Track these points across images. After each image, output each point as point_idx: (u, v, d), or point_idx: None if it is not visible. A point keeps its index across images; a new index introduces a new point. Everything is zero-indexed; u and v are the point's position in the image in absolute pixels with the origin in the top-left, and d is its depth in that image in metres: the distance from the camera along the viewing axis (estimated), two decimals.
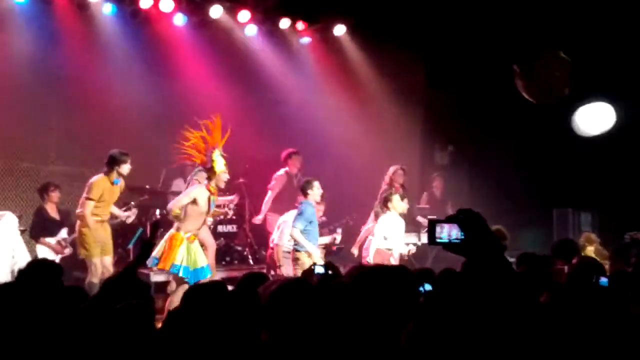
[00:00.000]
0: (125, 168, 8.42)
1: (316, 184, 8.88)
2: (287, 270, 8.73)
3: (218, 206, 8.92)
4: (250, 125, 11.23)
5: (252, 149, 11.30)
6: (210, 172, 8.00)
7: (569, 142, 11.76)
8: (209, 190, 7.95)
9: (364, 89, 12.27)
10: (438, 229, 2.58)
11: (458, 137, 12.81)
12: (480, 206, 9.37)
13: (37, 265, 4.57)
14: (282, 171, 10.53)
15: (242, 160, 10.81)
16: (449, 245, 2.58)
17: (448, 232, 2.57)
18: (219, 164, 7.98)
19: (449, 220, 2.57)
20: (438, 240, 2.58)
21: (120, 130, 10.33)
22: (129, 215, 8.95)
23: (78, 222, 8.39)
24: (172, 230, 7.93)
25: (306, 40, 12.22)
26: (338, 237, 9.31)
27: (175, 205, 8.02)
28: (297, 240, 8.49)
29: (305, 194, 8.86)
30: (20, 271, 4.40)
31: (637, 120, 10.82)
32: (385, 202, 9.25)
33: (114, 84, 10.53)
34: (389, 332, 2.80)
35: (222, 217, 9.94)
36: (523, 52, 9.14)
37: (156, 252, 7.67)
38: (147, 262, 7.86)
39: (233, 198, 9.60)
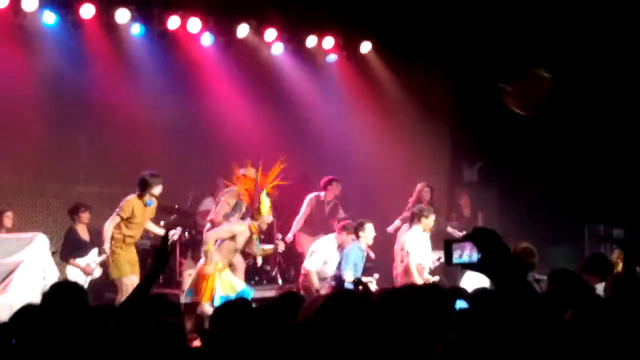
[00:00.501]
0: (157, 189, 8.47)
1: (369, 226, 8.80)
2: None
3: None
4: (278, 143, 11.24)
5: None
6: (256, 213, 8.04)
7: (600, 156, 11.64)
8: (251, 230, 7.98)
9: (391, 106, 12.23)
10: (455, 248, 2.56)
11: (487, 153, 12.71)
12: (510, 223, 9.43)
13: (59, 287, 4.56)
14: (312, 195, 10.47)
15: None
16: (467, 265, 2.56)
17: (466, 253, 2.55)
18: (265, 206, 8.00)
19: (465, 239, 2.55)
20: (455, 261, 2.57)
21: (149, 150, 10.40)
22: (174, 234, 8.89)
23: (109, 242, 8.41)
24: (200, 262, 7.99)
25: (332, 57, 12.22)
26: (281, 245, 9.08)
27: (213, 236, 8.06)
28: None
29: (357, 236, 8.80)
30: (44, 294, 4.39)
31: None
32: (418, 217, 9.19)
33: (143, 104, 10.61)
34: (421, 351, 2.77)
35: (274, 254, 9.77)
36: (508, 71, 9.21)
37: (189, 284, 7.82)
38: (185, 297, 7.97)
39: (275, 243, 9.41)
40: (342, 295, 3.77)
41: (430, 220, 9.13)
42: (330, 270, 8.93)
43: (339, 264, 8.76)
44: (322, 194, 10.42)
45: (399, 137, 12.19)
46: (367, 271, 9.60)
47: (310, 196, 10.46)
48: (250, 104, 11.47)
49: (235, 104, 11.32)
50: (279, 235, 9.18)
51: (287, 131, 11.71)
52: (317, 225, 10.05)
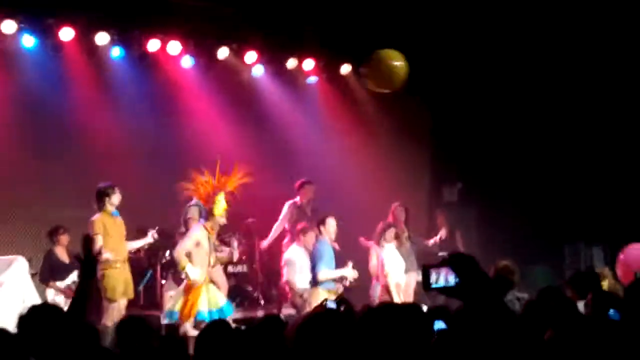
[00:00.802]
0: (115, 198, 8.37)
1: (330, 220, 8.90)
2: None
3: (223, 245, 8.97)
4: (258, 164, 11.24)
5: (260, 188, 11.30)
6: (209, 214, 8.07)
7: (577, 176, 11.76)
8: (206, 229, 8.01)
9: (371, 126, 12.30)
10: (433, 274, 2.58)
11: (467, 174, 12.79)
12: (490, 242, 9.47)
13: (37, 310, 4.52)
14: (289, 202, 10.47)
15: (250, 200, 10.81)
16: (444, 290, 2.58)
17: (443, 277, 2.57)
18: (219, 207, 8.03)
19: (442, 264, 2.57)
20: (433, 286, 2.59)
21: (130, 172, 10.36)
22: (152, 238, 8.83)
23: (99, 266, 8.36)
24: (184, 282, 7.99)
25: (313, 79, 12.30)
26: (235, 253, 9.10)
27: (180, 252, 8.04)
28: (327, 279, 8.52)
29: (320, 232, 8.88)
30: (21, 316, 4.35)
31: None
32: (382, 235, 9.28)
33: (123, 126, 10.63)
34: None
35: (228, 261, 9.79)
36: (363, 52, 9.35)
37: (173, 306, 7.79)
38: (164, 318, 7.94)
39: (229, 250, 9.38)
40: (322, 315, 3.78)
41: (389, 233, 9.21)
42: (306, 279, 8.96)
43: (313, 266, 8.81)
44: (297, 198, 10.42)
45: (379, 157, 12.25)
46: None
47: (288, 203, 10.44)
48: (231, 125, 11.49)
49: (217, 125, 11.35)
50: (235, 244, 9.11)
51: (268, 152, 11.73)
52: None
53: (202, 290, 7.87)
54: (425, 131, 12.95)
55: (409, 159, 12.58)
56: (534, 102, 11.85)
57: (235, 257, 9.11)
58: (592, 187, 11.58)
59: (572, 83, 11.46)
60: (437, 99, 12.60)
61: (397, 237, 9.34)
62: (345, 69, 12.23)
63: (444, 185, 13.13)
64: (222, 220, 8.13)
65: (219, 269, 9.16)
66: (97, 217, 8.33)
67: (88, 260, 4.11)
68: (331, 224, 8.92)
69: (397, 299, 8.74)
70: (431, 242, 10.86)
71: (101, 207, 8.34)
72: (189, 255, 7.94)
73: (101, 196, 8.35)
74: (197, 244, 7.98)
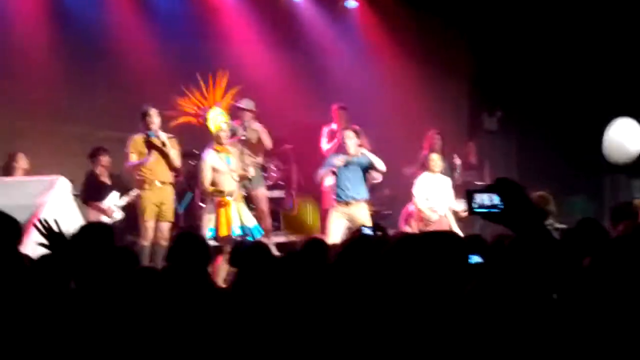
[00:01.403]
0: (153, 119, 8.40)
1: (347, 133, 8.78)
2: None
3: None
4: (296, 91, 11.23)
5: (298, 114, 11.30)
6: (210, 133, 8.08)
7: (619, 106, 11.53)
8: (216, 150, 7.99)
9: (411, 54, 12.10)
10: (477, 198, 2.56)
11: (507, 102, 12.63)
12: (529, 172, 9.42)
13: (88, 228, 4.62)
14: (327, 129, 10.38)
15: (288, 126, 10.83)
16: (488, 215, 2.56)
17: (487, 202, 2.55)
18: (211, 124, 8.01)
19: (487, 189, 2.55)
20: (476, 210, 2.56)
21: (167, 96, 10.38)
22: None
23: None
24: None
25: (353, 4, 12.12)
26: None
27: (204, 184, 8.14)
28: None
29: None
30: (74, 235, 4.44)
31: None
32: (423, 162, 9.23)
33: (162, 49, 10.56)
34: (435, 301, 2.79)
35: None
36: None
37: (210, 223, 7.89)
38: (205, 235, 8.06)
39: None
40: (360, 241, 3.82)
41: (436, 159, 9.13)
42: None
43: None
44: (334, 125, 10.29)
45: (419, 85, 12.11)
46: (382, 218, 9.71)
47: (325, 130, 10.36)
48: (269, 50, 11.41)
49: (254, 49, 11.27)
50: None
51: (304, 77, 11.65)
52: None
53: (232, 206, 7.95)
54: (465, 59, 12.75)
55: (448, 87, 12.46)
56: (574, 30, 11.56)
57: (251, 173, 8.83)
58: (635, 117, 11.36)
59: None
60: (476, 27, 12.35)
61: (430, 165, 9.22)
62: None
63: (483, 114, 12.99)
64: (223, 134, 8.06)
65: (263, 195, 9.25)
66: (133, 136, 8.43)
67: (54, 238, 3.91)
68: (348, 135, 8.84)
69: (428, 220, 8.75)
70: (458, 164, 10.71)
71: (141, 127, 8.43)
72: (213, 183, 8.05)
73: (141, 117, 8.42)
74: (214, 169, 8.05)
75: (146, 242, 8.31)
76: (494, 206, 2.51)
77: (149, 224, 8.35)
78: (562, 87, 11.75)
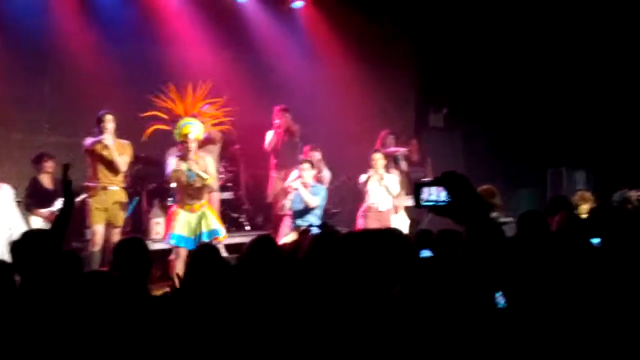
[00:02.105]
0: (104, 128, 8.21)
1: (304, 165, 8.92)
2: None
3: None
4: (244, 91, 11.19)
5: (246, 115, 11.26)
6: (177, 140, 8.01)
7: (561, 100, 11.78)
8: (180, 159, 7.88)
9: (357, 52, 12.16)
10: (424, 191, 2.59)
11: (452, 99, 12.78)
12: (475, 167, 9.54)
13: (29, 235, 4.56)
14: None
15: (235, 127, 10.79)
16: (435, 208, 2.59)
17: (434, 195, 2.58)
18: (177, 133, 7.93)
19: (434, 183, 2.58)
20: (423, 203, 2.59)
21: (113, 99, 10.26)
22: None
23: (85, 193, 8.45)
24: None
25: (299, 4, 12.13)
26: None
27: (167, 179, 8.11)
28: None
29: None
30: (14, 242, 4.38)
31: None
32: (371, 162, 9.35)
33: (106, 51, 10.46)
34: (374, 298, 2.82)
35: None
36: None
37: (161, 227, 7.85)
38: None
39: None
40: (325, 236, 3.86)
41: (378, 159, 9.25)
42: None
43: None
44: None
45: (366, 84, 12.18)
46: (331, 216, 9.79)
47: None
48: (214, 50, 11.36)
49: (199, 50, 11.22)
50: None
51: (251, 78, 11.63)
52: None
53: (179, 214, 7.89)
54: (410, 57, 12.86)
55: (395, 85, 12.54)
56: (518, 26, 11.77)
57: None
58: (576, 113, 11.62)
59: (558, 7, 11.36)
60: (422, 24, 12.46)
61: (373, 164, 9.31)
62: None
63: (430, 111, 13.13)
64: (190, 145, 7.86)
65: (215, 198, 9.21)
66: (85, 140, 8.34)
67: (66, 186, 4.21)
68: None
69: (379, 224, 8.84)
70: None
71: (95, 132, 8.31)
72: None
73: (96, 122, 8.29)
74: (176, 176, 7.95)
75: (95, 248, 8.21)
76: (440, 200, 2.54)
77: (97, 228, 8.25)
78: (506, 83, 11.95)
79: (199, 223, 7.91)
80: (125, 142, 8.45)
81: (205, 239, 7.75)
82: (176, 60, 11.05)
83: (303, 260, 3.61)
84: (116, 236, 8.29)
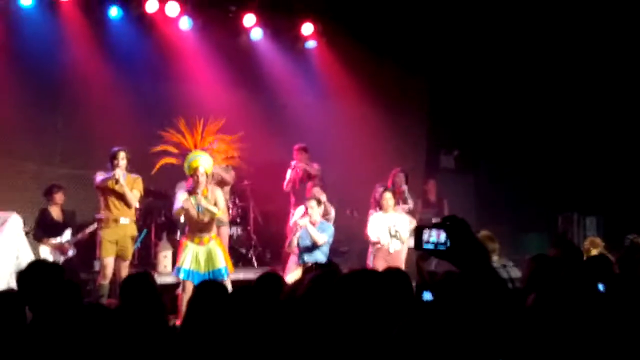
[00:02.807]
0: (116, 165, 8.20)
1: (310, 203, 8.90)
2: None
3: None
4: (256, 129, 11.25)
5: (257, 151, 11.32)
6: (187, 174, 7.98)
7: (574, 146, 11.78)
8: (189, 193, 7.87)
9: (369, 92, 12.23)
10: (425, 234, 2.60)
11: (464, 141, 12.81)
12: (485, 209, 9.46)
13: (36, 266, 4.57)
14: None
15: (247, 163, 10.84)
16: (435, 252, 2.60)
17: (434, 238, 2.59)
18: (187, 167, 7.90)
19: (435, 226, 2.59)
20: (425, 246, 2.60)
21: (126, 133, 10.36)
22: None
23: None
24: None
25: (312, 44, 12.24)
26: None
27: (174, 214, 8.09)
28: None
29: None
30: (21, 272, 4.40)
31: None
32: (378, 201, 9.29)
33: (120, 87, 10.59)
34: (381, 336, 2.81)
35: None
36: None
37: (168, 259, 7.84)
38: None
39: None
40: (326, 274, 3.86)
41: (388, 198, 9.19)
42: None
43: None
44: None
45: (377, 124, 12.23)
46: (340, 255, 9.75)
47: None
48: (227, 88, 11.47)
49: (213, 88, 11.33)
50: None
51: (265, 116, 11.72)
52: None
53: (188, 247, 7.86)
54: (422, 99, 12.93)
55: (406, 125, 12.58)
56: (531, 71, 11.83)
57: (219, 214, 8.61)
58: (588, 159, 11.61)
59: (573, 52, 11.41)
60: (434, 67, 12.55)
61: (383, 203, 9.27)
62: (344, 34, 12.15)
63: (441, 152, 13.15)
64: (199, 179, 7.79)
65: (224, 233, 9.16)
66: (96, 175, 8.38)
67: None
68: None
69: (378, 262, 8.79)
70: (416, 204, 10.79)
71: (108, 167, 8.34)
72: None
73: (110, 158, 8.33)
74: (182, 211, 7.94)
75: (104, 281, 8.20)
76: (441, 243, 2.55)
77: (108, 261, 8.24)
78: (517, 127, 11.97)
79: (207, 259, 7.87)
80: (136, 177, 8.48)
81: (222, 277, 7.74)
82: (189, 96, 11.17)
83: (301, 298, 3.60)
84: (125, 269, 8.30)
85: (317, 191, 9.71)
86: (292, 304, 3.96)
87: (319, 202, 8.93)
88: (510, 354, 2.58)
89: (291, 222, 9.80)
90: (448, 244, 2.53)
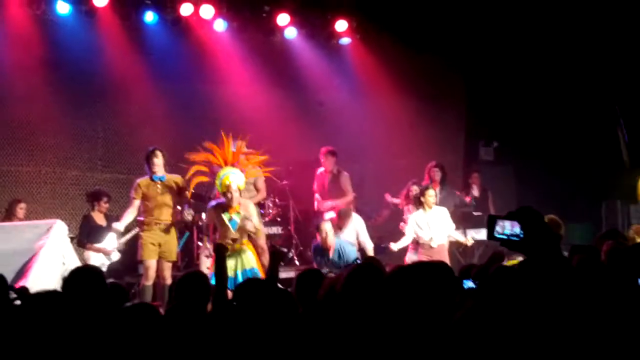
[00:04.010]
0: (153, 163, 8.33)
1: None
2: None
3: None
4: (292, 127, 11.31)
5: (295, 150, 11.36)
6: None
7: (616, 133, 11.60)
8: (222, 207, 7.83)
9: (405, 87, 12.17)
10: (499, 225, 2.60)
11: (502, 132, 12.68)
12: (528, 201, 9.37)
13: (78, 272, 4.63)
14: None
15: (285, 163, 10.87)
16: (507, 242, 2.60)
17: (508, 230, 2.58)
18: (219, 184, 7.88)
19: (509, 217, 2.58)
20: (497, 236, 2.61)
21: (165, 136, 10.48)
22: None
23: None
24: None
25: (346, 40, 12.22)
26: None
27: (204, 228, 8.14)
28: None
29: None
30: (64, 279, 4.47)
31: None
32: (418, 198, 9.25)
33: (158, 91, 10.71)
34: (429, 327, 2.81)
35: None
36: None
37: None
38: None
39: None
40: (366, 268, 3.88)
41: (430, 195, 9.15)
42: None
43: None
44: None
45: (414, 118, 12.18)
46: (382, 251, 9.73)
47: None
48: (264, 88, 11.53)
49: (250, 88, 11.40)
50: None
51: (302, 115, 11.75)
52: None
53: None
54: (460, 91, 12.83)
55: (444, 119, 12.51)
56: (567, 59, 11.67)
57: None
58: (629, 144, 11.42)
59: (612, 40, 11.23)
60: (471, 58, 12.44)
61: (421, 198, 9.22)
62: (378, 29, 12.11)
63: (480, 145, 13.04)
64: (227, 195, 7.74)
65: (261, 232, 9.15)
66: (138, 180, 8.48)
67: None
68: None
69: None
70: (467, 199, 10.83)
71: (146, 169, 8.46)
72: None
73: (145, 160, 8.44)
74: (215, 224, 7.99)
75: (148, 282, 8.29)
76: (514, 234, 2.56)
77: (150, 263, 8.33)
78: (556, 116, 11.82)
79: (237, 262, 7.89)
80: (177, 177, 8.56)
81: (240, 280, 7.70)
82: (227, 98, 11.26)
83: (340, 293, 3.62)
84: (167, 271, 8.38)
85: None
86: (331, 298, 3.97)
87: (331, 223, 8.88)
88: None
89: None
90: (521, 235, 2.53)
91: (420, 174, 10.52)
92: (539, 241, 2.52)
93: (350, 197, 10.03)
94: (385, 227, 10.97)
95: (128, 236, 9.06)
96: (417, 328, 2.88)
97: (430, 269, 3.21)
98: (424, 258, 8.69)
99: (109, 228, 9.13)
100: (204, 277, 4.90)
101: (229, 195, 7.71)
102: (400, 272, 3.21)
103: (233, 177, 7.74)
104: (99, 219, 9.34)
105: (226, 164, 7.95)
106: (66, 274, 4.56)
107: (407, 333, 2.86)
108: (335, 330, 3.30)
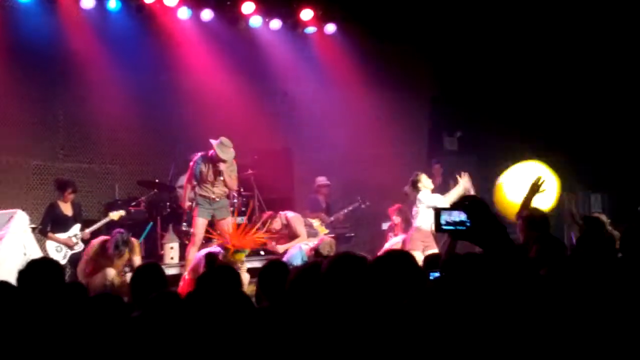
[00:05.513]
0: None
1: None
2: None
3: None
4: (258, 116, 11.26)
5: (260, 140, 11.32)
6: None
7: (579, 124, 11.72)
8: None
9: (370, 77, 12.18)
10: (444, 215, 2.60)
11: (467, 122, 12.74)
12: (489, 191, 9.36)
13: (35, 264, 4.55)
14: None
15: (250, 152, 10.84)
16: (455, 232, 2.61)
17: (454, 219, 2.59)
18: (233, 261, 7.93)
19: (454, 207, 2.59)
20: (444, 227, 2.61)
21: (128, 125, 10.38)
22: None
23: None
24: None
25: (311, 30, 12.18)
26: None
27: None
28: None
29: None
30: (20, 271, 4.38)
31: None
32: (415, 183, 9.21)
33: (121, 79, 10.56)
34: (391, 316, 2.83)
35: None
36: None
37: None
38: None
39: None
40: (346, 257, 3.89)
41: (425, 179, 9.20)
42: None
43: None
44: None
45: (379, 108, 12.17)
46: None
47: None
48: (229, 77, 11.43)
49: (214, 77, 11.29)
50: None
51: (267, 104, 11.71)
52: None
53: None
54: (425, 82, 12.86)
55: (408, 109, 12.52)
56: (533, 51, 11.75)
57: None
58: (594, 137, 11.56)
59: (579, 25, 11.31)
60: (436, 48, 12.47)
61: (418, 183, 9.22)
62: (344, 18, 12.08)
63: (443, 135, 13.09)
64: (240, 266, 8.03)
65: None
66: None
67: None
68: None
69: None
70: None
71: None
72: None
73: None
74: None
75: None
76: (461, 223, 2.56)
77: None
78: (519, 107, 11.90)
79: None
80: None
81: None
82: (190, 86, 11.15)
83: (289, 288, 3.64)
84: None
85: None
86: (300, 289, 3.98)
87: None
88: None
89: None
90: (468, 224, 2.54)
91: (386, 164, 10.57)
92: (485, 228, 2.53)
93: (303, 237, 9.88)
94: (349, 219, 11.09)
95: (96, 225, 9.00)
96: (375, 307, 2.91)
97: (395, 259, 3.24)
98: (419, 244, 8.55)
99: (74, 218, 9.01)
100: (158, 267, 4.84)
101: (239, 266, 7.89)
102: (380, 259, 3.25)
103: (243, 254, 8.12)
104: (65, 208, 9.14)
105: (234, 247, 8.06)
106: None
107: (373, 319, 2.89)
108: (308, 321, 3.30)
